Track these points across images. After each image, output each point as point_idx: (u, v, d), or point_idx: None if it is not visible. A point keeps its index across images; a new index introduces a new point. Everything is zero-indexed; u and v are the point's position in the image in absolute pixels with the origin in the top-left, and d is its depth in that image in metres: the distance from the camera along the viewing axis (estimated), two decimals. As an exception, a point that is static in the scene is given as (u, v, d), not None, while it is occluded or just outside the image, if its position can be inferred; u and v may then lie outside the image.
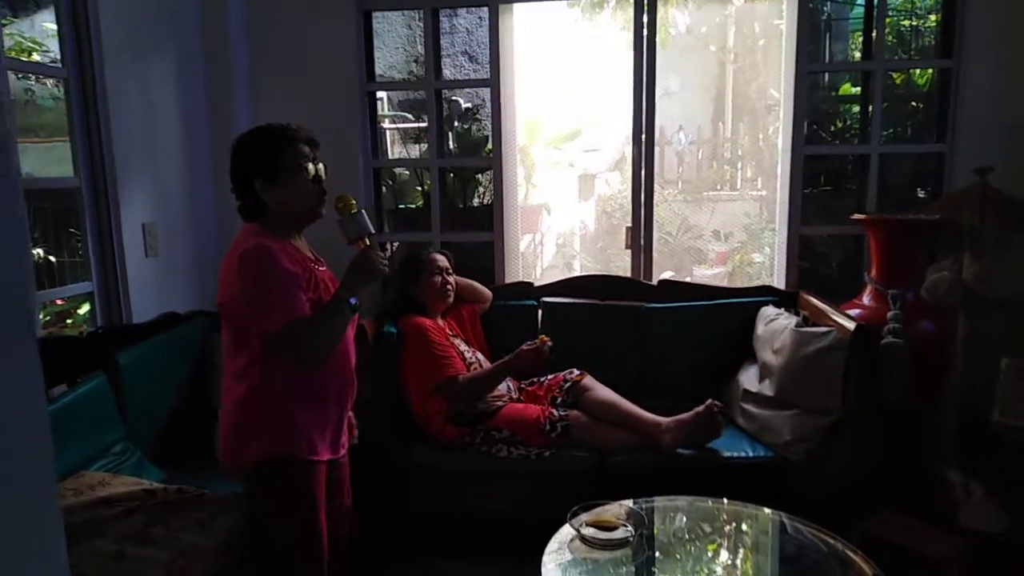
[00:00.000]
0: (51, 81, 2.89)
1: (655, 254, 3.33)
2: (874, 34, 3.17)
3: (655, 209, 3.28)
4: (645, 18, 3.11)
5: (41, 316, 3.22)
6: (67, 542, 1.69)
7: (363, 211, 1.76)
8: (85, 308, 3.20)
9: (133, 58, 2.68)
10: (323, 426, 1.78)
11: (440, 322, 2.77)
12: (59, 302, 3.89)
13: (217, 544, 1.83)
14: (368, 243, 1.75)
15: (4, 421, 0.78)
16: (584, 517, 1.95)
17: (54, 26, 2.53)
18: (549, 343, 2.59)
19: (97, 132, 2.53)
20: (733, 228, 6.83)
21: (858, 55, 3.71)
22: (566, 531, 1.92)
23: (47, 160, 3.24)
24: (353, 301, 1.71)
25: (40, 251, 3.88)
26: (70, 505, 1.87)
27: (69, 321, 3.80)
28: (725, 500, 2.11)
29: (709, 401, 2.46)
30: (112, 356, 2.30)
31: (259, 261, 1.63)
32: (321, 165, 1.77)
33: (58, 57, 2.53)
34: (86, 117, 2.53)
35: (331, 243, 1.95)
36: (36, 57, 3.28)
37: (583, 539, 1.88)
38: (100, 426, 2.18)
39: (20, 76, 3.80)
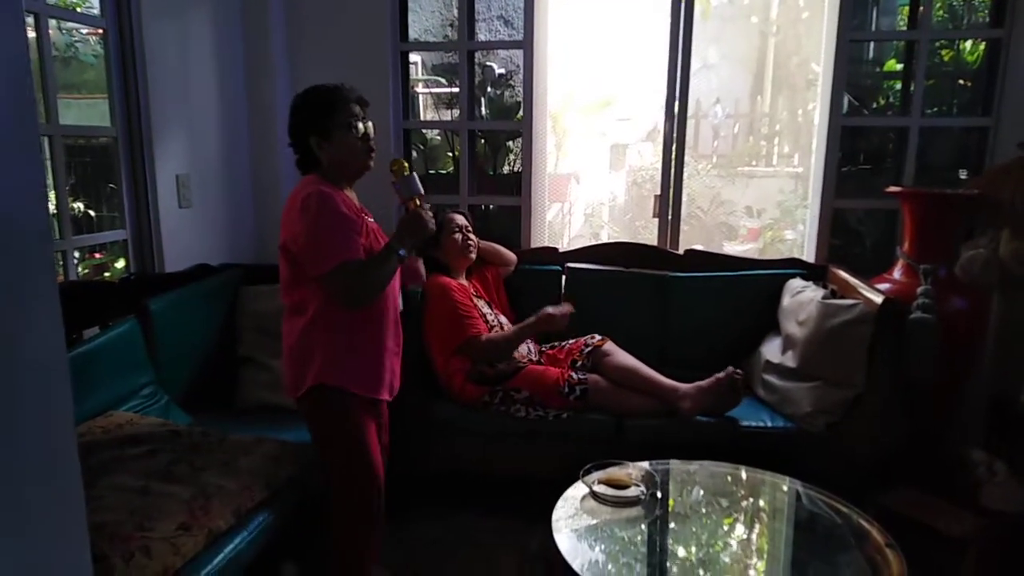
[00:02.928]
0: (93, 38, 2.94)
1: (686, 227, 3.28)
2: (921, 8, 3.07)
3: (687, 182, 3.22)
4: (684, -15, 3.04)
5: (80, 269, 3.32)
6: (94, 476, 1.76)
7: (415, 174, 1.94)
8: (121, 264, 3.28)
9: (171, 12, 2.71)
10: (374, 364, 1.93)
11: (464, 282, 2.79)
12: (97, 256, 4.00)
13: (238, 485, 1.88)
14: (418, 203, 1.90)
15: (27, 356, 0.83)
16: (597, 475, 1.96)
17: (95, -21, 2.57)
18: (572, 310, 2.62)
19: (134, 84, 2.58)
20: (767, 204, 6.70)
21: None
22: (578, 488, 1.94)
23: (88, 116, 3.31)
24: (402, 252, 1.86)
25: (80, 204, 3.98)
26: (98, 441, 1.94)
27: (107, 275, 3.92)
28: (742, 468, 2.11)
29: (729, 368, 2.45)
30: (143, 302, 2.36)
31: (320, 205, 1.78)
32: (370, 124, 1.92)
33: (99, 13, 2.57)
34: (124, 69, 2.57)
35: (376, 199, 2.15)
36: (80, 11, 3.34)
37: (595, 496, 1.90)
38: (130, 369, 2.25)
39: (63, 31, 3.87)
